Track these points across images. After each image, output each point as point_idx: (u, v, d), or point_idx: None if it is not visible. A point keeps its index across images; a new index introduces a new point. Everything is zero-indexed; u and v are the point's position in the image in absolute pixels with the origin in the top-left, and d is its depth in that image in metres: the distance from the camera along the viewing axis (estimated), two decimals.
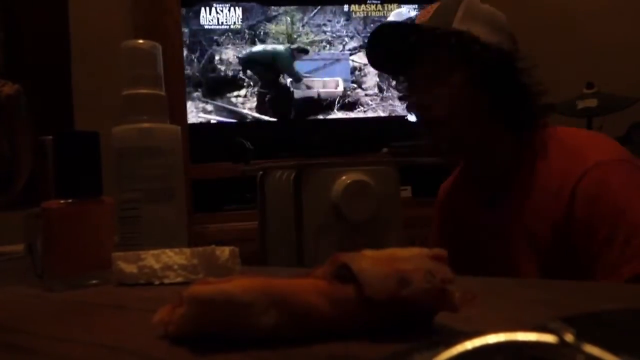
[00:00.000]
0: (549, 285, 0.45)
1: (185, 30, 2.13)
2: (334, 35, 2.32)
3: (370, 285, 0.27)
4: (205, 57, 2.18)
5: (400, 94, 1.02)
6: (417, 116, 0.97)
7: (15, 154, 0.85)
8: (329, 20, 2.31)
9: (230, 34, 2.20)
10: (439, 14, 0.90)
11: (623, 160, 0.84)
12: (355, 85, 2.33)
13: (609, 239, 0.76)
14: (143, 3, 2.01)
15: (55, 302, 0.44)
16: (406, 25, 0.95)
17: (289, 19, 2.26)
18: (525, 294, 0.40)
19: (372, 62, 1.00)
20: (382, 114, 2.35)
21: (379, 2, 2.37)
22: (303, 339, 0.27)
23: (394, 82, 1.04)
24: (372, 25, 2.33)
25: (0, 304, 0.44)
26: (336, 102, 2.29)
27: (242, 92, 2.21)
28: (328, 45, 2.32)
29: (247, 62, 2.22)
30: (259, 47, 2.24)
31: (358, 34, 2.34)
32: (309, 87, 2.26)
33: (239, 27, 2.21)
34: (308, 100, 2.26)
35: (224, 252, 0.47)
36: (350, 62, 2.33)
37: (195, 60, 2.17)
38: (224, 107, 2.19)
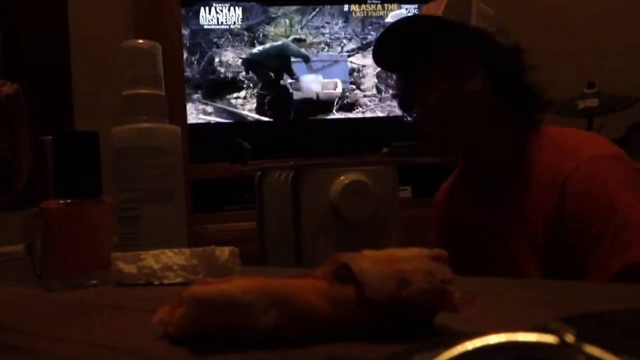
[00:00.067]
0: (549, 286, 0.45)
1: (185, 32, 2.13)
2: (333, 37, 2.32)
3: (370, 286, 0.27)
4: (205, 59, 2.18)
5: (401, 93, 1.01)
6: (422, 115, 0.95)
7: (15, 154, 0.85)
8: (327, 22, 2.31)
9: (229, 36, 2.20)
10: (453, 8, 0.87)
11: (615, 156, 0.84)
12: (353, 87, 2.33)
13: (601, 235, 0.76)
14: (143, 2, 2.01)
15: (55, 303, 0.44)
16: (425, 17, 0.91)
17: (287, 21, 2.26)
18: (526, 294, 0.40)
19: (380, 59, 0.96)
20: (380, 115, 2.35)
21: (378, 2, 2.37)
22: (303, 339, 0.27)
23: (395, 82, 1.01)
24: (370, 26, 2.33)
25: (0, 304, 0.44)
26: (335, 103, 2.29)
27: (242, 93, 2.21)
28: (327, 47, 2.32)
29: (250, 62, 2.21)
30: (259, 48, 2.24)
31: (356, 35, 2.34)
32: (308, 89, 2.26)
33: (239, 27, 2.21)
34: (307, 102, 2.26)
35: (224, 252, 0.47)
36: (349, 63, 2.33)
37: (195, 62, 2.17)
38: (224, 109, 2.19)
